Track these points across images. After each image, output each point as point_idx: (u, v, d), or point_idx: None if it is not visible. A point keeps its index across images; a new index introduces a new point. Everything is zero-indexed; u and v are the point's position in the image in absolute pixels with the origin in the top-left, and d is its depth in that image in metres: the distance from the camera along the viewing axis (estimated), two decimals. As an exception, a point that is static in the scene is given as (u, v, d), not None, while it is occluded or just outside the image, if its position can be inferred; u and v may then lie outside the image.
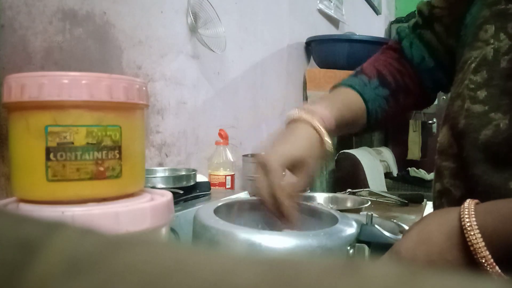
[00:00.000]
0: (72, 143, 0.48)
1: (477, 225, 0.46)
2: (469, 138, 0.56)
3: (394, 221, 0.80)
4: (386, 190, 1.88)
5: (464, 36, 0.64)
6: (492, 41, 0.55)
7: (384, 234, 0.59)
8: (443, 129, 0.63)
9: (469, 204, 0.48)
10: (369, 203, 1.08)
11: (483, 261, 0.46)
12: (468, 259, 0.47)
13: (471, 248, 0.46)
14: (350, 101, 0.70)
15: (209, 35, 1.36)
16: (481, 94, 0.55)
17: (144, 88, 0.54)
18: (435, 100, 0.83)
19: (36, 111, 0.48)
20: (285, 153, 0.59)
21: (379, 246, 0.56)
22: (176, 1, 1.27)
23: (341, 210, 0.87)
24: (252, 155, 1.56)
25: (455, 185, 0.60)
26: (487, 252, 0.46)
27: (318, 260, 0.13)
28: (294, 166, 0.59)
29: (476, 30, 0.58)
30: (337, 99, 0.70)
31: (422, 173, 2.53)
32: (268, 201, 0.58)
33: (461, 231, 0.47)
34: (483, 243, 0.46)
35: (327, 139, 0.62)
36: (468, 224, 0.47)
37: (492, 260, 0.46)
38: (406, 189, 2.36)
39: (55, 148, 0.47)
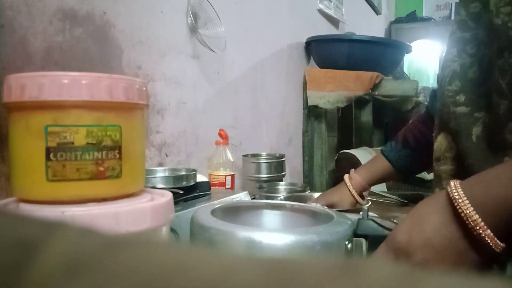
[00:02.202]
0: (72, 143, 0.48)
1: (464, 194, 0.50)
2: (463, 134, 0.65)
3: (394, 221, 0.80)
4: (386, 190, 1.88)
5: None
6: (457, 59, 0.69)
7: (380, 227, 0.59)
8: (438, 138, 0.71)
9: (454, 182, 0.53)
10: (369, 203, 1.08)
11: (474, 225, 0.49)
12: (462, 230, 0.50)
13: (462, 215, 0.50)
14: (379, 165, 1.08)
15: (209, 35, 1.36)
16: (460, 98, 0.67)
17: (144, 88, 0.54)
18: None
19: (36, 111, 0.48)
20: (326, 198, 1.09)
21: (376, 239, 0.57)
22: (176, 1, 1.27)
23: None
24: (253, 155, 1.56)
25: None
26: (477, 216, 0.49)
27: (318, 260, 0.13)
28: (331, 206, 1.01)
29: (445, 55, 0.72)
30: (371, 165, 1.12)
31: (422, 173, 2.53)
32: None
33: (451, 204, 0.51)
34: (472, 208, 0.49)
35: (356, 195, 1.07)
36: (456, 194, 0.51)
37: (483, 224, 0.49)
38: (406, 189, 2.36)
39: (55, 148, 0.47)
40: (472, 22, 0.67)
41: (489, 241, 0.49)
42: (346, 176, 1.08)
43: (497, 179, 0.50)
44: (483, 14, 0.65)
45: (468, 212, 0.49)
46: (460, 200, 0.50)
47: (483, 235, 0.49)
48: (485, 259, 0.51)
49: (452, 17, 4.25)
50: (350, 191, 1.06)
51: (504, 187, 0.49)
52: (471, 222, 0.49)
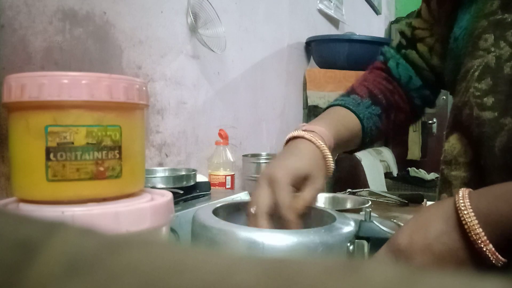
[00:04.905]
0: (72, 143, 0.48)
1: (470, 206, 0.48)
2: (485, 147, 0.57)
3: (394, 221, 0.80)
4: (386, 190, 1.88)
5: (456, 48, 0.66)
6: (493, 49, 0.57)
7: (383, 229, 0.59)
8: (451, 138, 0.63)
9: (463, 191, 0.51)
10: (369, 203, 1.07)
11: (476, 238, 0.47)
12: (465, 240, 0.49)
13: (465, 227, 0.48)
14: (347, 120, 0.73)
15: (209, 35, 1.36)
16: (489, 100, 0.56)
17: (144, 88, 0.54)
18: (423, 115, 0.89)
19: (36, 111, 0.48)
20: (292, 167, 0.58)
21: (378, 241, 0.57)
22: (176, 1, 1.27)
23: (341, 210, 0.87)
24: (253, 155, 1.56)
25: None
26: (480, 229, 0.47)
27: (318, 260, 0.13)
28: (301, 181, 0.59)
29: (476, 40, 0.60)
30: (334, 118, 0.71)
31: (422, 173, 2.53)
32: (264, 217, 0.56)
33: (456, 214, 0.49)
34: (476, 221, 0.47)
35: (329, 156, 0.63)
36: (462, 204, 0.49)
37: (485, 238, 0.47)
38: (406, 189, 2.36)
39: (55, 148, 0.47)
40: None
41: (490, 255, 0.47)
42: (300, 131, 0.64)
43: (505, 195, 0.48)
44: None
45: (471, 224, 0.48)
46: (465, 212, 0.48)
47: (485, 249, 0.47)
48: (485, 271, 0.49)
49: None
50: (321, 151, 0.62)
51: (510, 205, 0.47)
52: (474, 235, 0.47)
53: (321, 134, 0.64)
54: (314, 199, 0.60)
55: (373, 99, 0.76)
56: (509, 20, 0.57)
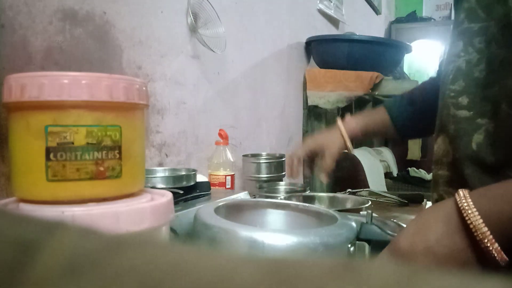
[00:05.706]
0: (72, 143, 0.48)
1: (474, 205, 0.48)
2: (462, 141, 0.60)
3: (394, 221, 0.80)
4: (386, 190, 1.88)
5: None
6: (462, 54, 0.62)
7: (384, 232, 0.59)
8: (438, 140, 0.66)
9: (463, 191, 0.51)
10: (369, 203, 1.07)
11: (483, 237, 0.47)
12: (466, 241, 0.49)
13: (471, 226, 0.48)
14: (378, 116, 0.97)
15: (209, 35, 1.36)
16: (463, 100, 0.61)
17: (144, 88, 0.54)
18: None
19: (36, 111, 0.48)
20: (312, 140, 1.00)
21: (379, 244, 0.57)
22: (176, 1, 1.27)
23: (341, 210, 0.87)
24: (253, 155, 1.56)
25: (449, 192, 0.62)
26: (486, 228, 0.47)
27: (319, 260, 0.13)
28: (318, 149, 0.96)
29: (449, 48, 0.66)
30: (368, 114, 1.02)
31: (422, 173, 2.53)
32: (292, 159, 0.98)
33: (458, 214, 0.49)
34: (481, 220, 0.47)
35: (345, 135, 0.94)
36: (466, 204, 0.49)
37: (491, 237, 0.47)
38: (406, 189, 2.36)
39: (55, 148, 0.47)
40: (482, 11, 0.60)
41: (495, 254, 0.47)
42: (339, 119, 0.97)
43: (505, 195, 0.48)
44: (496, 6, 0.58)
45: (477, 223, 0.47)
46: (469, 211, 0.48)
47: (491, 248, 0.47)
48: (487, 271, 0.49)
49: (452, 17, 4.24)
50: (341, 134, 0.94)
51: (509, 205, 0.47)
52: (480, 234, 0.47)
53: (349, 124, 0.96)
54: (329, 163, 0.93)
55: (410, 100, 0.93)
56: (476, 29, 0.61)
